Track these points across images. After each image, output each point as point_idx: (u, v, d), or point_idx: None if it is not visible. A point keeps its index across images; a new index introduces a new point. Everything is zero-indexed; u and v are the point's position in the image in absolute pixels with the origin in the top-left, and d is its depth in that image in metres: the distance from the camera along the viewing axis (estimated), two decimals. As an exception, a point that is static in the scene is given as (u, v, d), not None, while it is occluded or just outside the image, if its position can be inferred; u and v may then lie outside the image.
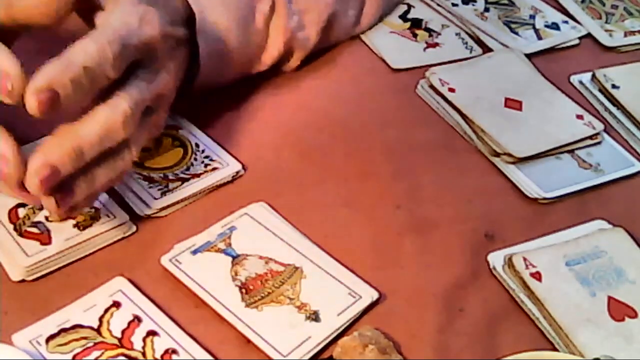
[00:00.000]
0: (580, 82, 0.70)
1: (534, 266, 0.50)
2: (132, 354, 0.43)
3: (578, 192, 0.58)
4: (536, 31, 0.75)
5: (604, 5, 0.81)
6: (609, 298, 0.49)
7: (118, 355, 0.42)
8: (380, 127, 0.62)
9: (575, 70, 0.71)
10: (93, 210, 0.49)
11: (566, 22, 0.77)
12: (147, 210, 0.51)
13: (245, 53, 0.59)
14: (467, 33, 0.73)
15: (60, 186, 0.42)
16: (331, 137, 0.60)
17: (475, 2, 0.77)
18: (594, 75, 0.69)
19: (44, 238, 0.47)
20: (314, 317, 0.46)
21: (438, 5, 0.76)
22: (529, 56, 0.70)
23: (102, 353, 0.42)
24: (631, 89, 0.68)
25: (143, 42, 0.46)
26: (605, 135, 0.64)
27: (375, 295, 0.47)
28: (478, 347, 0.46)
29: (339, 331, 0.45)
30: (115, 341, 0.43)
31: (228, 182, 0.54)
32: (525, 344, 0.46)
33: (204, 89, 0.57)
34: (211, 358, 0.43)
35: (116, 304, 0.45)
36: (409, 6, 0.76)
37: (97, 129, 0.43)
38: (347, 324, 0.46)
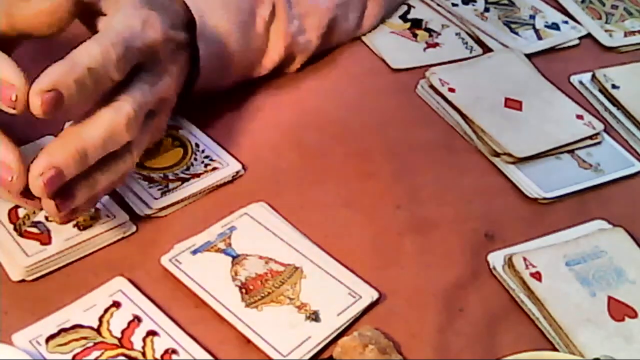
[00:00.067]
0: (580, 82, 0.70)
1: (534, 266, 0.50)
2: (132, 354, 0.43)
3: (578, 192, 0.58)
4: (536, 31, 0.75)
5: (604, 5, 0.81)
6: (609, 298, 0.49)
7: (118, 355, 0.42)
8: (380, 127, 0.62)
9: (575, 70, 0.71)
10: (93, 210, 0.49)
11: (566, 22, 0.77)
12: (147, 210, 0.51)
13: (246, 57, 0.59)
14: (467, 33, 0.73)
15: (61, 189, 0.42)
16: (331, 137, 0.60)
17: (475, 2, 0.77)
18: (594, 75, 0.69)
19: (44, 238, 0.47)
20: (314, 317, 0.46)
21: (438, 5, 0.76)
22: (529, 56, 0.70)
23: (102, 353, 0.42)
24: (631, 89, 0.68)
25: (146, 45, 0.46)
26: (605, 135, 0.64)
27: (375, 295, 0.47)
28: (478, 347, 0.46)
29: (339, 331, 0.45)
30: (115, 341, 0.43)
31: (228, 182, 0.54)
32: (525, 344, 0.46)
33: (204, 93, 0.57)
34: (211, 358, 0.43)
35: (116, 304, 0.45)
36: (409, 6, 0.76)
37: (101, 132, 0.43)
38: (347, 324, 0.46)
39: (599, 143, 0.63)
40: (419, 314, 0.48)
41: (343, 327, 0.45)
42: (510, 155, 0.59)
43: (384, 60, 0.69)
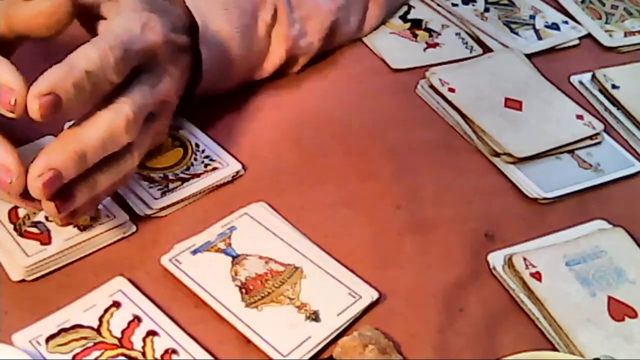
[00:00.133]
0: (580, 82, 0.70)
1: (534, 266, 0.50)
2: (132, 354, 0.43)
3: (578, 192, 0.58)
4: (536, 31, 0.75)
5: (604, 5, 0.81)
6: (609, 298, 0.49)
7: (118, 355, 0.42)
8: (380, 127, 0.62)
9: (575, 71, 0.71)
10: (93, 212, 0.49)
11: (566, 22, 0.77)
12: (147, 210, 0.51)
13: (248, 61, 0.59)
14: (467, 33, 0.73)
15: (61, 191, 0.42)
16: (331, 137, 0.60)
17: (475, 2, 0.77)
18: (594, 76, 0.69)
19: (44, 238, 0.47)
20: (314, 317, 0.46)
21: (438, 5, 0.76)
22: (529, 56, 0.70)
23: (102, 353, 0.42)
24: (631, 89, 0.68)
25: (145, 47, 0.46)
26: (605, 135, 0.64)
27: (375, 295, 0.47)
28: (478, 347, 0.46)
29: (339, 331, 0.45)
30: (115, 341, 0.43)
31: (228, 182, 0.54)
32: (525, 344, 0.46)
33: (205, 96, 0.58)
34: (211, 358, 0.43)
35: (116, 304, 0.45)
36: (409, 7, 0.76)
37: (101, 133, 0.43)
38: (347, 324, 0.46)
39: (599, 143, 0.63)
40: (419, 314, 0.48)
41: (343, 327, 0.45)
42: (510, 155, 0.59)
43: (384, 61, 0.69)
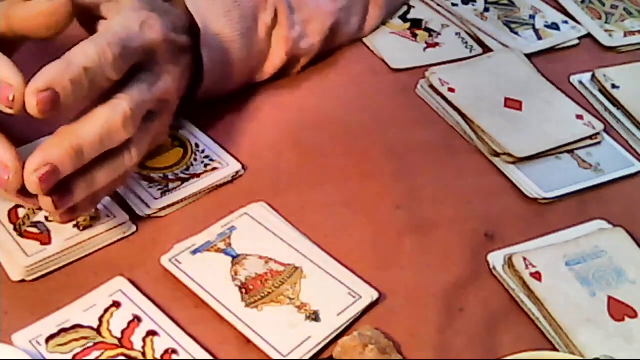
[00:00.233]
0: (580, 82, 0.70)
1: (534, 266, 0.50)
2: (132, 354, 0.43)
3: (578, 192, 0.58)
4: (536, 31, 0.75)
5: (603, 5, 0.81)
6: (609, 298, 0.49)
7: (118, 355, 0.42)
8: (380, 127, 0.62)
9: (575, 70, 0.71)
10: (93, 210, 0.49)
11: (566, 22, 0.77)
12: (147, 210, 0.51)
13: (248, 63, 0.59)
14: (467, 33, 0.73)
15: (59, 187, 0.42)
16: (331, 137, 0.60)
17: (475, 2, 0.77)
18: (594, 75, 0.69)
19: (44, 238, 0.47)
20: (314, 317, 0.46)
21: (438, 5, 0.76)
22: (529, 56, 0.70)
23: (102, 353, 0.42)
24: (631, 89, 0.68)
25: (144, 45, 0.46)
26: (605, 135, 0.64)
27: (375, 295, 0.47)
28: (478, 347, 0.46)
29: (339, 331, 0.45)
30: (115, 341, 0.43)
31: (228, 182, 0.54)
32: (525, 344, 0.46)
33: (206, 98, 0.58)
34: (211, 358, 0.43)
35: (116, 304, 0.45)
36: (409, 7, 0.76)
37: (98, 129, 0.43)
38: (347, 324, 0.46)
39: (599, 143, 0.63)
40: (419, 314, 0.48)
41: (343, 327, 0.45)
42: (510, 155, 0.59)
43: (384, 61, 0.69)
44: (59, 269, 0.47)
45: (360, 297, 0.47)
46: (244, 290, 0.46)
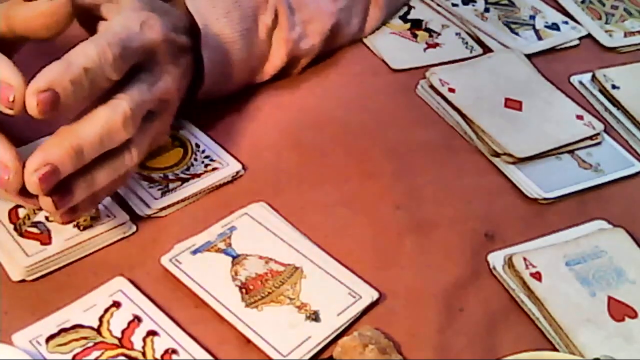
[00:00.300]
0: (580, 83, 0.70)
1: (534, 266, 0.50)
2: (132, 354, 0.43)
3: (578, 192, 0.58)
4: (536, 31, 0.75)
5: (604, 5, 0.81)
6: (609, 298, 0.49)
7: (118, 355, 0.42)
8: (380, 127, 0.62)
9: (575, 71, 0.71)
10: (93, 210, 0.49)
11: (566, 22, 0.77)
12: (147, 210, 0.51)
13: (248, 64, 0.59)
14: (467, 33, 0.73)
15: (59, 187, 0.42)
16: (331, 137, 0.60)
17: (475, 2, 0.77)
18: (594, 76, 0.69)
19: (44, 238, 0.47)
20: (314, 317, 0.46)
21: (438, 5, 0.76)
22: (529, 56, 0.70)
23: (102, 353, 0.42)
24: (631, 89, 0.68)
25: (144, 45, 0.46)
26: (605, 136, 0.64)
27: (375, 295, 0.47)
28: (478, 347, 0.46)
29: (339, 331, 0.45)
30: (115, 341, 0.43)
31: (228, 182, 0.54)
32: (525, 344, 0.46)
33: (206, 99, 0.58)
34: (211, 358, 0.43)
35: (116, 304, 0.45)
36: (409, 7, 0.76)
37: (97, 129, 0.43)
38: (347, 324, 0.46)
39: (599, 143, 0.63)
40: (419, 314, 0.48)
41: (343, 327, 0.45)
42: (510, 155, 0.59)
43: (384, 61, 0.69)
44: (59, 269, 0.47)
45: (360, 297, 0.47)
46: (244, 290, 0.46)
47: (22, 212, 0.49)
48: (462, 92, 0.64)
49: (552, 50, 0.74)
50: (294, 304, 0.46)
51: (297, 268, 0.48)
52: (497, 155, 0.60)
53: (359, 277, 0.48)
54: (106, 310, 0.44)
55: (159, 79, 0.48)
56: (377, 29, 0.72)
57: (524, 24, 0.76)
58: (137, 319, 0.44)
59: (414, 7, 0.76)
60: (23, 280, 0.46)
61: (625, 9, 0.81)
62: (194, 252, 0.48)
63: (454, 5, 0.76)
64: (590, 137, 0.62)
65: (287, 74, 0.64)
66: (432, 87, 0.65)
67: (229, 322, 0.45)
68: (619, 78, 0.68)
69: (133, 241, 0.49)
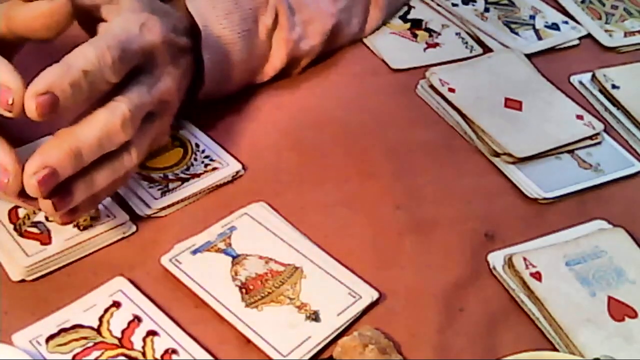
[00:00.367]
0: (580, 82, 0.70)
1: (534, 266, 0.50)
2: (132, 354, 0.43)
3: (578, 192, 0.58)
4: (536, 31, 0.75)
5: (604, 5, 0.81)
6: (609, 298, 0.49)
7: (118, 355, 0.42)
8: (380, 127, 0.62)
9: (575, 71, 0.71)
10: (93, 210, 0.49)
11: (566, 22, 0.77)
12: (147, 210, 0.51)
13: (249, 65, 0.59)
14: (467, 33, 0.73)
15: (59, 189, 0.42)
16: (331, 137, 0.60)
17: (475, 2, 0.77)
18: (594, 76, 0.69)
19: (44, 238, 0.47)
20: (314, 317, 0.46)
21: (438, 5, 0.76)
22: (529, 56, 0.70)
23: (102, 353, 0.42)
24: (631, 89, 0.68)
25: (143, 47, 0.46)
26: (605, 135, 0.64)
27: (375, 295, 0.47)
28: (478, 347, 0.46)
29: (339, 331, 0.45)
30: (115, 341, 0.43)
31: (228, 182, 0.54)
32: (525, 344, 0.46)
33: (206, 100, 0.58)
34: (211, 358, 0.43)
35: (116, 304, 0.45)
36: (409, 7, 0.76)
37: (96, 132, 0.43)
38: (347, 324, 0.46)
39: (599, 143, 0.63)
40: (419, 314, 0.48)
41: (343, 327, 0.45)
42: (510, 155, 0.59)
43: (384, 61, 0.69)
44: (59, 269, 0.47)
45: (360, 297, 0.47)
46: (244, 290, 0.46)
47: (22, 212, 0.49)
48: (462, 92, 0.64)
49: (552, 50, 0.74)
50: (294, 304, 0.46)
51: (297, 268, 0.48)
52: (497, 155, 0.60)
53: (359, 277, 0.48)
54: (106, 310, 0.44)
55: (159, 81, 0.48)
56: (377, 29, 0.72)
57: (524, 23, 0.76)
58: (137, 319, 0.44)
59: (414, 7, 0.76)
60: (23, 280, 0.46)
61: (625, 9, 0.81)
62: (194, 252, 0.48)
63: (454, 5, 0.76)
64: (590, 137, 0.62)
65: (288, 74, 0.64)
66: (432, 87, 0.65)
67: (229, 322, 0.45)
68: (619, 78, 0.68)
69: (133, 241, 0.49)
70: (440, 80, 0.64)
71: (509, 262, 0.50)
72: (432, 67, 0.66)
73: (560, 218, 0.55)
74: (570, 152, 0.61)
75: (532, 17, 0.77)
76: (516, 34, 0.74)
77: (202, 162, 0.55)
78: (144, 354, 0.43)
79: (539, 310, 0.48)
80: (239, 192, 0.54)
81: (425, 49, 0.71)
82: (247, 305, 0.46)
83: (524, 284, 0.49)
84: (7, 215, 0.48)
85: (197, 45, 0.54)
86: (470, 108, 0.62)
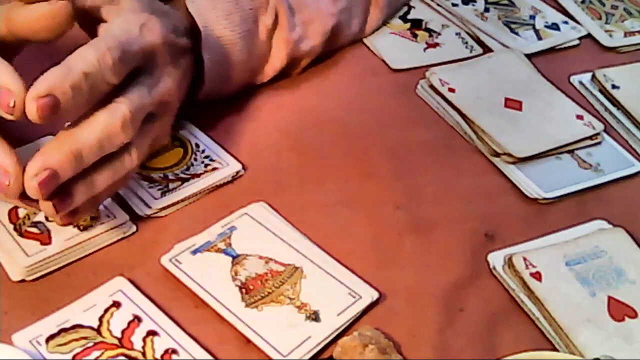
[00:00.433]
0: (580, 83, 0.70)
1: (534, 266, 0.50)
2: (132, 354, 0.43)
3: (578, 192, 0.58)
4: (536, 31, 0.75)
5: (604, 5, 0.81)
6: (609, 298, 0.49)
7: (118, 355, 0.42)
8: (380, 127, 0.62)
9: (575, 71, 0.71)
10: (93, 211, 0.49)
11: (566, 22, 0.77)
12: (147, 210, 0.51)
13: (249, 65, 0.59)
14: (467, 33, 0.73)
15: (59, 191, 0.42)
16: (331, 137, 0.60)
17: (475, 2, 0.77)
18: (594, 76, 0.69)
19: (44, 238, 0.47)
20: (314, 317, 0.46)
21: (438, 5, 0.76)
22: (529, 56, 0.70)
23: (102, 353, 0.42)
24: (631, 89, 0.68)
25: (144, 48, 0.46)
26: (605, 135, 0.64)
27: (375, 295, 0.47)
28: (478, 347, 0.46)
29: (339, 331, 0.45)
30: (115, 341, 0.43)
31: (228, 182, 0.54)
32: (525, 344, 0.46)
33: (206, 100, 0.58)
34: (211, 358, 0.43)
35: (116, 304, 0.45)
36: (409, 7, 0.76)
37: (97, 133, 0.43)
38: (347, 324, 0.46)
39: (599, 143, 0.63)
40: (419, 314, 0.48)
41: (343, 327, 0.45)
42: (510, 155, 0.59)
43: (384, 61, 0.69)
44: (59, 269, 0.47)
45: (360, 297, 0.47)
46: (244, 290, 0.46)
47: (22, 212, 0.49)
48: (462, 92, 0.64)
49: (552, 50, 0.74)
50: (294, 304, 0.46)
51: (297, 268, 0.48)
52: (497, 155, 0.60)
53: (359, 277, 0.48)
54: (106, 310, 0.44)
55: (159, 81, 0.48)
56: (378, 29, 0.72)
57: (524, 24, 0.76)
58: (137, 319, 0.44)
59: (414, 7, 0.76)
60: (23, 280, 0.46)
61: (625, 9, 0.81)
62: (194, 252, 0.48)
63: (454, 5, 0.76)
64: (590, 137, 0.62)
65: (288, 74, 0.64)
66: (432, 87, 0.65)
67: (229, 322, 0.45)
68: (619, 78, 0.68)
69: (133, 241, 0.49)
70: (440, 80, 0.64)
71: (509, 262, 0.50)
72: (432, 67, 0.66)
73: (560, 218, 0.55)
74: (570, 152, 0.61)
75: (532, 17, 0.77)
76: (516, 34, 0.74)
77: (202, 162, 0.55)
78: (144, 354, 0.43)
79: (539, 310, 0.48)
80: (239, 192, 0.54)
81: (425, 49, 0.71)
82: (247, 305, 0.46)
83: (524, 284, 0.49)
84: (7, 215, 0.48)
85: (197, 46, 0.54)
86: (470, 108, 0.62)
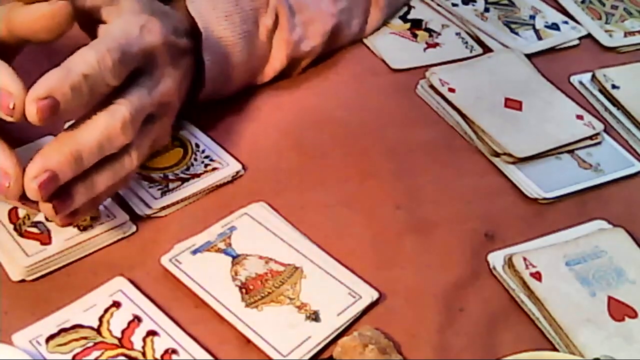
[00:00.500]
0: (580, 82, 0.70)
1: (534, 266, 0.50)
2: (132, 354, 0.43)
3: (578, 192, 0.58)
4: (536, 31, 0.75)
5: (604, 5, 0.81)
6: (609, 298, 0.49)
7: (118, 355, 0.42)
8: (380, 127, 0.62)
9: (575, 71, 0.71)
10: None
11: (566, 22, 0.77)
12: (147, 210, 0.51)
13: (249, 66, 0.59)
14: (467, 33, 0.73)
15: (59, 192, 0.42)
16: (331, 137, 0.60)
17: (475, 2, 0.77)
18: (594, 76, 0.69)
19: (44, 238, 0.47)
20: (314, 317, 0.46)
21: (438, 5, 0.76)
22: (529, 56, 0.70)
23: (102, 353, 0.42)
24: (631, 89, 0.68)
25: (144, 49, 0.46)
26: (605, 135, 0.64)
27: (375, 295, 0.47)
28: (478, 347, 0.46)
29: (339, 331, 0.45)
30: (115, 341, 0.43)
31: (228, 182, 0.54)
32: (525, 344, 0.46)
33: (206, 101, 0.58)
34: (211, 358, 0.43)
35: (116, 304, 0.45)
36: (409, 7, 0.76)
37: (97, 135, 0.43)
38: (347, 324, 0.46)
39: (599, 143, 0.63)
40: (419, 314, 0.48)
41: (343, 327, 0.45)
42: (510, 155, 0.59)
43: (384, 61, 0.69)
44: (59, 269, 0.47)
45: (360, 297, 0.47)
46: (244, 290, 0.46)
47: (22, 212, 0.49)
48: (462, 92, 0.64)
49: (552, 50, 0.74)
50: (294, 304, 0.46)
51: (297, 268, 0.48)
52: (497, 155, 0.60)
53: (359, 277, 0.48)
54: (106, 310, 0.44)
55: (159, 82, 0.48)
56: (378, 29, 0.72)
57: (524, 24, 0.76)
58: (137, 319, 0.44)
59: (414, 7, 0.76)
60: (23, 280, 0.46)
61: (625, 9, 0.81)
62: (194, 252, 0.48)
63: (454, 5, 0.76)
64: (590, 137, 0.62)
65: (288, 75, 0.64)
66: (432, 87, 0.65)
67: (229, 322, 0.45)
68: (618, 78, 0.68)
69: (133, 241, 0.49)
70: (440, 80, 0.64)
71: (509, 262, 0.50)
72: (432, 67, 0.66)
73: (560, 218, 0.55)
74: (570, 152, 0.61)
75: (532, 17, 0.77)
76: (516, 34, 0.74)
77: (202, 162, 0.55)
78: (144, 354, 0.43)
79: (539, 310, 0.48)
80: (239, 192, 0.54)
81: (425, 49, 0.71)
82: (247, 305, 0.46)
83: (524, 284, 0.49)
84: (7, 215, 0.48)
85: (197, 47, 0.54)
86: (470, 108, 0.62)
